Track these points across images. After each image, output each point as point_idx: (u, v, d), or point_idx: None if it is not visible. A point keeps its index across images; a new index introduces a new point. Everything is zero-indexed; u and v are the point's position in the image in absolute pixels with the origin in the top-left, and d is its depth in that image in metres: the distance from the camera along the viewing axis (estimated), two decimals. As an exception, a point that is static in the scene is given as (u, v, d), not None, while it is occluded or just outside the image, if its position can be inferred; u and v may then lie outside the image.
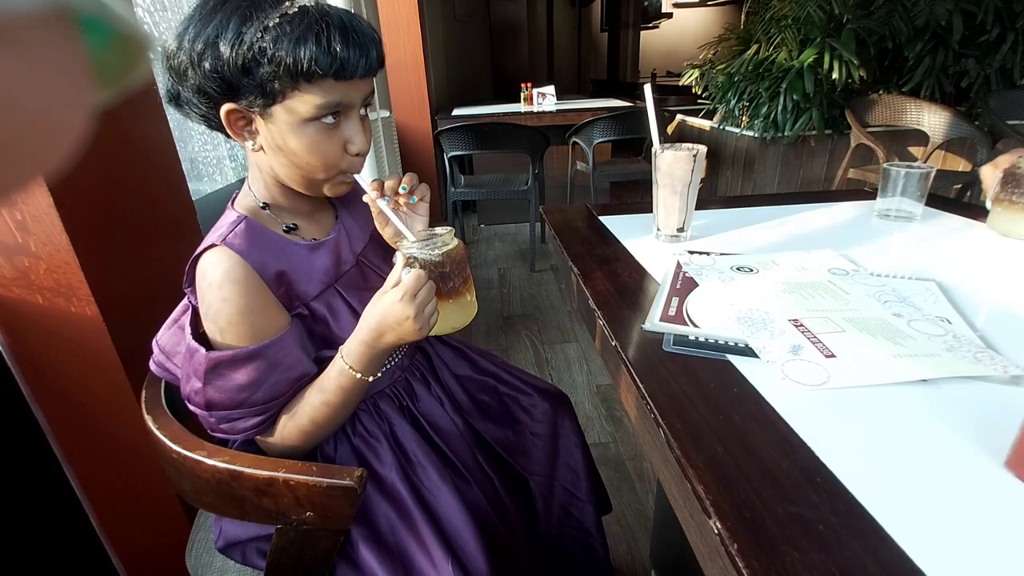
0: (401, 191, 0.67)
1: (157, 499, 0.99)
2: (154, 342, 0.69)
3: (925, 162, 1.02)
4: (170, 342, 0.67)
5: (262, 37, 0.52)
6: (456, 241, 0.64)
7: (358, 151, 0.62)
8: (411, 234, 0.65)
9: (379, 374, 0.65)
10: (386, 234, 0.72)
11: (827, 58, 2.54)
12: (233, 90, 0.55)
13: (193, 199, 1.10)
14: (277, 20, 0.52)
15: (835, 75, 2.53)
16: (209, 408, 0.60)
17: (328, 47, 0.53)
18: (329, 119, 0.58)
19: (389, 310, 0.58)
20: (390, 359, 0.74)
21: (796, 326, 0.52)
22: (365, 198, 0.66)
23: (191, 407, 0.62)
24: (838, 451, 0.37)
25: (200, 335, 0.61)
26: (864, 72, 2.55)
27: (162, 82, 0.59)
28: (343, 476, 0.54)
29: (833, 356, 0.47)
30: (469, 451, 0.76)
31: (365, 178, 0.65)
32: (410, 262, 0.61)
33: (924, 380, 0.44)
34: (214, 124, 0.59)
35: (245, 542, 0.68)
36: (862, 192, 1.04)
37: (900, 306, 0.56)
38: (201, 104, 0.57)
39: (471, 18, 5.48)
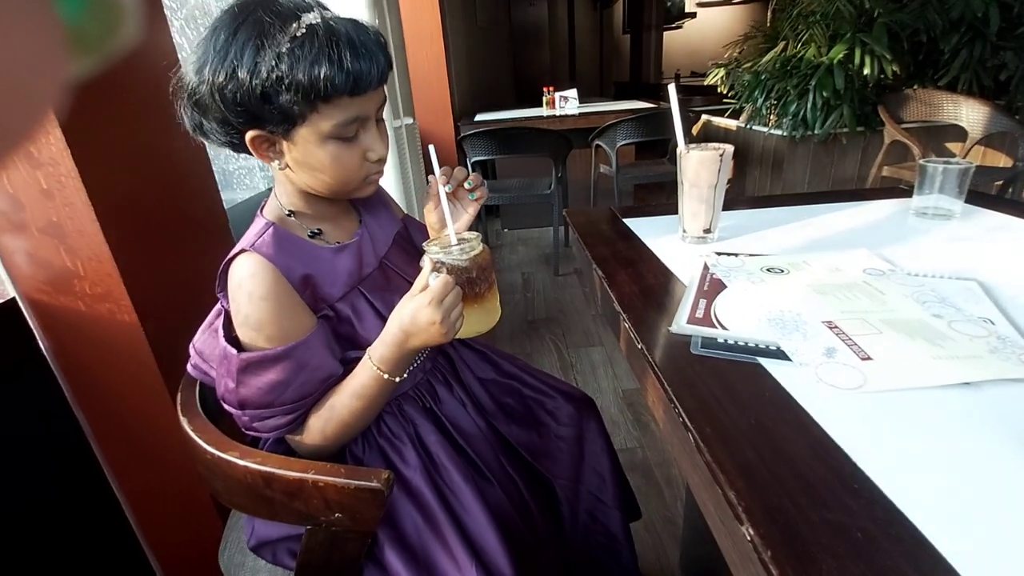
0: (466, 185, 0.71)
1: (191, 499, 1.02)
2: (191, 345, 0.71)
3: (964, 158, 0.98)
4: (206, 345, 0.70)
5: (277, 65, 0.53)
6: (482, 246, 0.66)
7: (378, 158, 0.64)
8: (453, 227, 0.66)
9: (405, 375, 0.66)
10: (430, 218, 0.74)
11: (858, 53, 2.48)
12: (255, 118, 0.57)
13: (226, 207, 1.13)
14: (288, 46, 0.53)
15: (867, 71, 2.46)
16: (242, 407, 0.62)
17: (341, 66, 0.54)
18: (348, 132, 0.60)
19: (417, 314, 0.60)
20: (414, 361, 0.75)
21: (830, 328, 0.51)
22: (431, 177, 0.68)
23: (226, 406, 0.64)
24: (876, 456, 0.36)
25: (233, 337, 0.63)
26: (897, 67, 2.48)
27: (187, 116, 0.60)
28: (370, 478, 0.54)
29: (869, 359, 0.46)
30: (492, 453, 0.76)
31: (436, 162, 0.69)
32: (437, 267, 0.62)
33: (966, 383, 0.42)
34: (239, 148, 0.61)
35: (276, 541, 0.70)
36: (897, 190, 1.01)
37: (940, 307, 0.54)
38: (225, 133, 0.59)
39: (493, 25, 5.52)
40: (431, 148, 0.70)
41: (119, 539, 1.01)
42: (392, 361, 0.63)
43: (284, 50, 0.53)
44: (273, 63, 0.53)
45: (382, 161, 0.65)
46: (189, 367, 0.71)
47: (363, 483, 0.54)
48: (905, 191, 0.99)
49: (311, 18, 0.54)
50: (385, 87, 0.63)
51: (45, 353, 0.88)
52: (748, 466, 0.36)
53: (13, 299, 0.84)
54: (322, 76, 0.54)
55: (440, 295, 0.59)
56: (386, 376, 0.63)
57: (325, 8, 0.58)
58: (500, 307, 0.71)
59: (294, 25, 0.54)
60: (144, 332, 0.87)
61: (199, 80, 0.56)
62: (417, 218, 0.84)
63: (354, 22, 0.58)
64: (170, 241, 0.95)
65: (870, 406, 0.41)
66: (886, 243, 0.74)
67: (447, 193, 0.68)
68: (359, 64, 0.55)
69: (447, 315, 0.60)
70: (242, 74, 0.54)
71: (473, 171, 2.71)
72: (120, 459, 0.98)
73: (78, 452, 0.94)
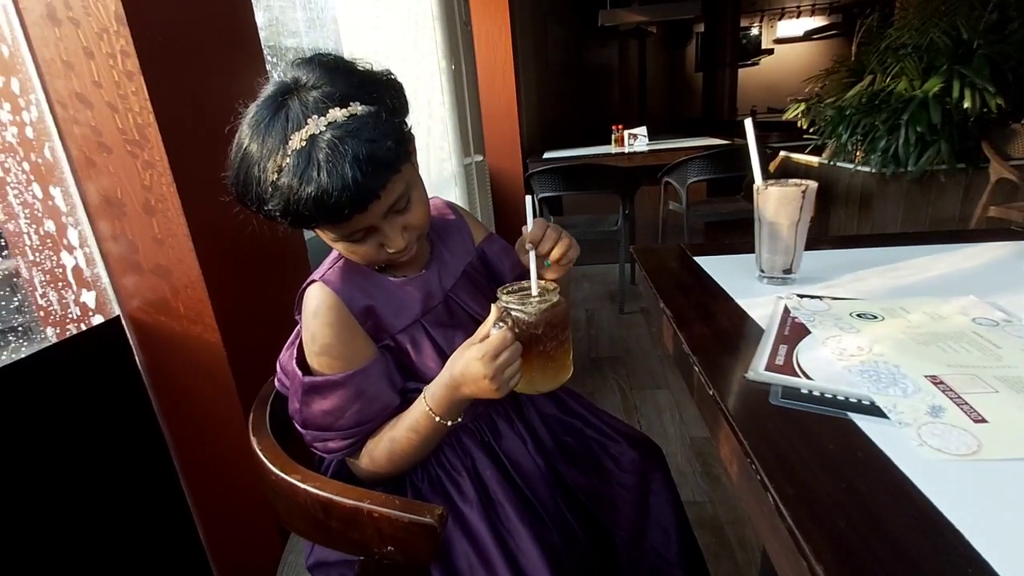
0: (552, 256, 0.65)
1: (257, 517, 1.05)
2: (278, 361, 0.75)
3: (1093, 197, 0.87)
4: (287, 362, 0.73)
5: (267, 199, 0.54)
6: (556, 300, 0.61)
7: (393, 251, 0.62)
8: (535, 281, 0.63)
9: (459, 419, 0.65)
10: (524, 259, 0.67)
11: (956, 86, 2.31)
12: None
13: (307, 239, 1.21)
14: (274, 178, 0.53)
15: (967, 104, 2.28)
16: (305, 427, 0.65)
17: (322, 204, 0.52)
18: (355, 238, 0.60)
19: (469, 365, 0.58)
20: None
21: (935, 383, 0.45)
22: (524, 229, 0.64)
23: (294, 422, 0.67)
24: (995, 537, 0.31)
25: (302, 359, 0.66)
26: (1002, 100, 2.28)
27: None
28: (424, 513, 0.53)
29: (984, 421, 0.40)
30: (550, 495, 0.73)
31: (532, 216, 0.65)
32: (503, 317, 0.59)
33: (1114, 458, 0.36)
34: None
35: (332, 564, 0.70)
36: (1008, 231, 0.91)
37: (1072, 365, 0.47)
38: None
39: (563, 65, 5.68)
40: (528, 200, 0.66)
41: (186, 549, 1.06)
42: (443, 404, 0.62)
43: (270, 183, 0.53)
44: (266, 196, 0.54)
45: (402, 252, 0.63)
46: (275, 381, 0.75)
47: (416, 518, 0.53)
48: (1017, 233, 0.89)
49: (297, 141, 0.52)
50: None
51: (140, 367, 0.96)
52: (839, 536, 0.32)
53: (117, 317, 0.93)
54: (305, 213, 0.53)
55: (495, 350, 0.57)
56: (437, 419, 0.63)
57: (330, 107, 0.53)
58: (571, 365, 0.66)
59: (279, 154, 0.52)
60: (225, 352, 0.92)
61: (232, 193, 0.59)
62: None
63: (355, 127, 0.52)
64: (254, 270, 1.02)
65: (985, 476, 0.35)
66: (997, 290, 0.66)
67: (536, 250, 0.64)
68: (341, 200, 0.52)
69: (499, 371, 0.57)
70: (250, 198, 0.57)
71: (540, 208, 2.75)
72: (195, 472, 1.04)
73: (159, 463, 1.01)
